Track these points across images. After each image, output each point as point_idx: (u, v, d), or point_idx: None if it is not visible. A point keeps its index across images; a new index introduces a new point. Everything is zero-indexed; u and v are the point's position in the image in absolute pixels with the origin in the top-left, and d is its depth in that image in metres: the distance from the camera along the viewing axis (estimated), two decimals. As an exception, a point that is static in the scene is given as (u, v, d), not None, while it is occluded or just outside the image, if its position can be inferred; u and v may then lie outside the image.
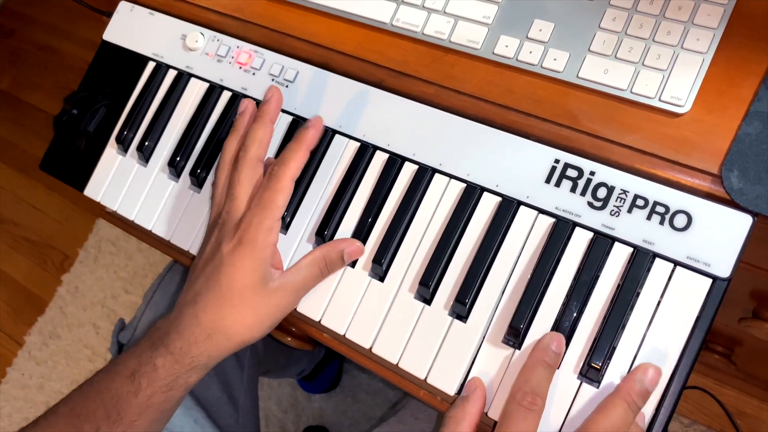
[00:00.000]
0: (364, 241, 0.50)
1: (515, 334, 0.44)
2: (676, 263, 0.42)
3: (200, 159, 0.56)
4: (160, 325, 0.49)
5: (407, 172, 0.50)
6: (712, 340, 0.84)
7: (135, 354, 0.48)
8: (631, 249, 0.43)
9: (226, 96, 0.58)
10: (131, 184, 0.59)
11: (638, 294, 0.42)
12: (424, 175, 0.49)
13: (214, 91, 0.58)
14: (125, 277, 1.46)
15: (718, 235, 0.42)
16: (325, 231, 0.51)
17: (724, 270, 0.41)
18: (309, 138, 0.50)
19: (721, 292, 0.41)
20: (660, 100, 0.45)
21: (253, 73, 0.57)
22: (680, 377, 0.41)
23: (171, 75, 0.61)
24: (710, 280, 0.41)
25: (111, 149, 0.61)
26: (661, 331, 0.41)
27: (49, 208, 1.62)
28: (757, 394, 1.04)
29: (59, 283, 1.51)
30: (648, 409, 0.41)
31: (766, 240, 0.45)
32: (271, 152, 0.54)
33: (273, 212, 0.47)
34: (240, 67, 0.58)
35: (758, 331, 0.62)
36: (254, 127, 0.51)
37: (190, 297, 0.47)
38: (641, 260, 0.42)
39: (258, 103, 0.56)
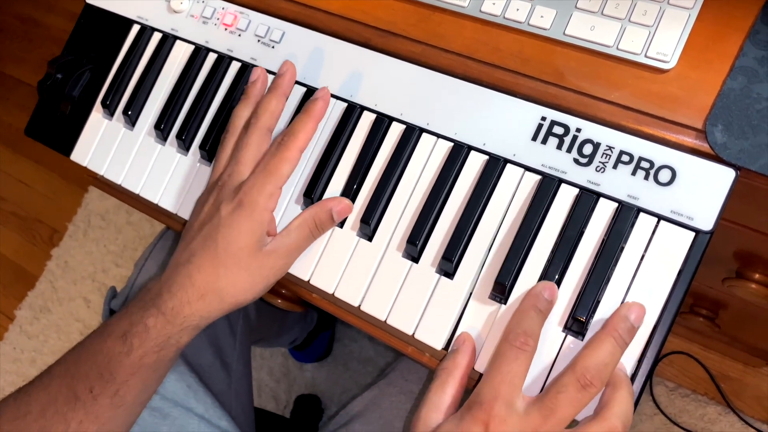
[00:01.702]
0: (352, 201, 0.50)
1: (501, 290, 0.44)
2: (660, 217, 0.43)
3: (187, 121, 0.56)
4: (151, 286, 0.49)
5: (395, 131, 0.50)
6: (696, 304, 0.86)
7: (126, 315, 0.48)
8: (616, 204, 0.44)
9: (212, 58, 0.57)
10: (118, 148, 0.59)
11: (622, 248, 0.43)
12: (412, 134, 0.49)
13: (199, 53, 0.58)
14: (115, 250, 1.45)
15: (702, 189, 0.42)
16: (312, 192, 0.51)
17: (707, 223, 0.42)
18: (317, 110, 0.50)
19: (703, 245, 0.42)
20: (646, 56, 0.45)
21: (239, 35, 0.57)
22: (662, 329, 0.42)
23: (156, 38, 0.60)
24: (693, 234, 0.42)
25: (97, 113, 0.61)
26: (645, 284, 0.42)
27: (36, 182, 1.61)
28: (741, 357, 1.06)
29: (49, 257, 1.50)
30: (630, 361, 0.41)
31: (749, 196, 0.45)
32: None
33: (277, 179, 0.48)
34: (225, 29, 0.57)
35: (741, 290, 0.63)
36: (268, 97, 0.51)
37: (185, 257, 0.47)
38: (626, 215, 0.43)
39: (244, 68, 0.56)
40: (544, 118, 0.46)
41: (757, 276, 0.62)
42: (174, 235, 0.75)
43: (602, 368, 0.39)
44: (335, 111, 0.52)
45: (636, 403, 0.41)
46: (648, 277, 0.42)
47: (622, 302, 0.42)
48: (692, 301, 0.86)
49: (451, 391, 0.42)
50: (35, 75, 1.67)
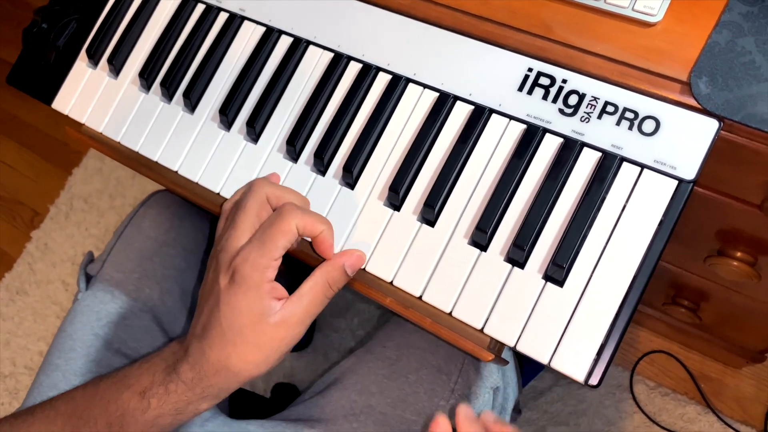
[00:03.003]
0: (335, 152, 0.50)
1: (482, 237, 0.44)
2: (643, 166, 0.42)
3: (171, 69, 0.55)
4: (175, 348, 0.48)
5: (381, 81, 0.50)
6: (678, 294, 0.86)
7: (148, 372, 0.47)
8: (600, 153, 0.44)
9: (200, 8, 0.57)
10: (101, 97, 0.58)
11: (604, 197, 0.42)
12: (398, 84, 0.49)
13: (188, 3, 0.57)
14: (97, 234, 1.43)
15: (685, 140, 0.42)
16: (295, 140, 0.50)
17: (689, 172, 0.41)
18: (328, 233, 0.46)
19: (685, 194, 0.41)
20: (633, 9, 0.45)
21: (228, -16, 0.56)
22: (641, 279, 0.41)
23: (145, -12, 0.60)
24: (676, 182, 0.42)
25: (81, 62, 0.60)
26: (626, 232, 0.42)
27: (19, 164, 1.59)
28: (721, 357, 1.06)
29: (28, 239, 1.47)
30: (611, 308, 0.41)
31: (732, 155, 0.45)
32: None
33: (272, 252, 0.44)
34: (215, -20, 0.57)
35: (723, 268, 0.63)
36: (295, 192, 0.48)
37: (199, 330, 0.46)
38: (609, 163, 0.43)
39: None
40: (530, 69, 0.46)
41: (738, 254, 0.62)
42: (157, 203, 0.73)
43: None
44: (321, 61, 0.52)
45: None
46: (629, 226, 0.42)
47: (603, 250, 0.42)
48: (674, 291, 0.86)
49: None
50: (25, 58, 1.65)
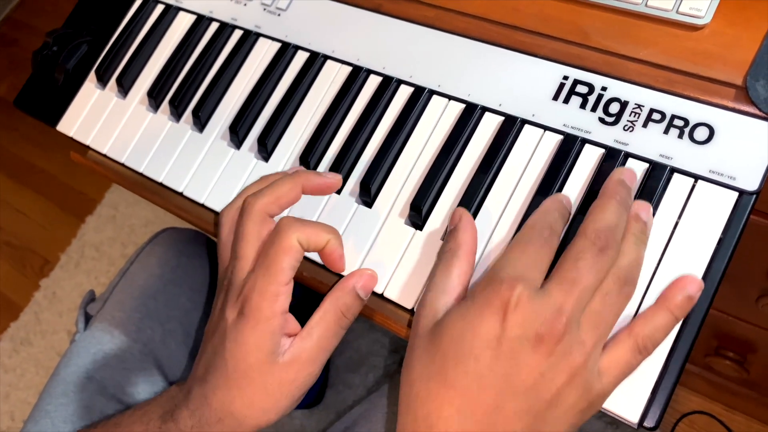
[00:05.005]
0: (351, 168, 0.46)
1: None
2: (698, 177, 0.38)
3: (181, 87, 0.53)
4: (174, 393, 0.44)
5: (403, 94, 0.46)
6: (722, 345, 0.79)
7: (142, 420, 0.43)
8: (647, 164, 0.39)
9: (213, 27, 0.55)
10: (107, 118, 0.55)
11: (654, 212, 0.38)
12: (420, 96, 0.45)
13: (201, 22, 0.55)
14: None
15: (744, 147, 0.37)
16: (309, 157, 0.46)
17: (751, 183, 0.37)
18: (336, 242, 0.41)
19: (748, 206, 0.36)
20: (678, 12, 0.41)
21: (245, 4, 0.54)
22: (702, 304, 0.36)
23: (158, 9, 0.58)
24: (736, 194, 0.37)
25: (89, 84, 0.57)
26: (680, 251, 0.37)
27: (34, 212, 1.57)
28: (769, 419, 0.97)
29: (37, 288, 1.44)
30: (664, 346, 0.36)
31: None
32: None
33: (278, 276, 0.39)
34: (231, -2, 0.55)
35: (778, 310, 0.57)
36: (283, 180, 0.42)
37: (201, 371, 0.42)
38: (658, 174, 0.38)
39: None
40: (566, 77, 0.43)
41: (795, 293, 0.56)
42: (165, 240, 0.70)
43: (614, 229, 0.34)
44: (339, 75, 0.49)
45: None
46: (684, 244, 0.37)
47: (654, 273, 0.37)
48: (717, 342, 0.80)
49: (458, 272, 0.37)
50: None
